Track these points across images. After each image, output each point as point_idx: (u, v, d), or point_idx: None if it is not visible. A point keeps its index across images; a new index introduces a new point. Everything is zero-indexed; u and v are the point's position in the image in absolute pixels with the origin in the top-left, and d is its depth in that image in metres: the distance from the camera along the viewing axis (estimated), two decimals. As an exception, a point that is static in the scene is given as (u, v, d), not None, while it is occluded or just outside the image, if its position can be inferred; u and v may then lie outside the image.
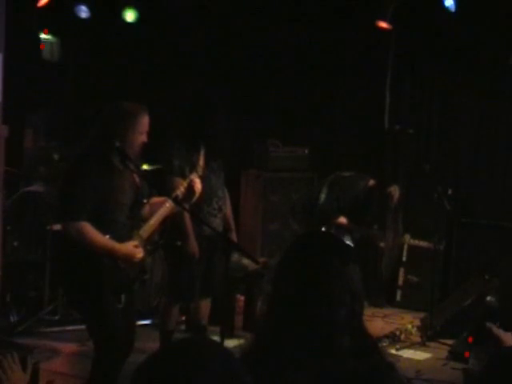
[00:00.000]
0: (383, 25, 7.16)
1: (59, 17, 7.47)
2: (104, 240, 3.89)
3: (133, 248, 3.99)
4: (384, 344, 5.92)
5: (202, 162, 4.51)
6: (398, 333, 6.29)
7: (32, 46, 7.53)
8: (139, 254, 4.01)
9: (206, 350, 1.42)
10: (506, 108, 7.24)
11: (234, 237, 5.44)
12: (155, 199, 4.25)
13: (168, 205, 4.15)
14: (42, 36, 7.64)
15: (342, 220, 6.18)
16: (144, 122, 4.02)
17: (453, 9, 6.95)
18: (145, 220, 4.15)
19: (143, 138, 4.02)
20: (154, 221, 4.15)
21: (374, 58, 7.70)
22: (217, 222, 5.26)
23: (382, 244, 6.54)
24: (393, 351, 5.84)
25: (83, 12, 7.43)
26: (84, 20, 7.48)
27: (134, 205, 4.06)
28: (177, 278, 5.27)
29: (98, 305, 3.94)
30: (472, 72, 7.31)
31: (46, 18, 7.35)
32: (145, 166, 7.06)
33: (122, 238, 3.97)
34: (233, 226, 5.55)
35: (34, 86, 7.19)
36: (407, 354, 5.93)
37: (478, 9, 7.06)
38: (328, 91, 7.96)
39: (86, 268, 3.90)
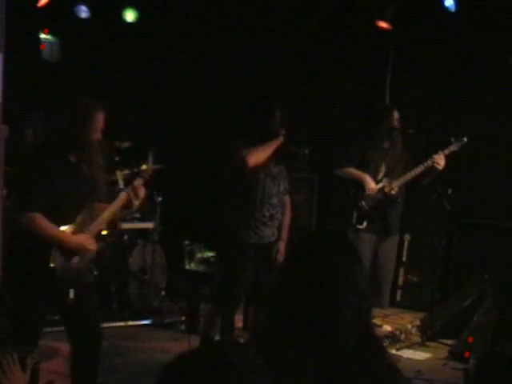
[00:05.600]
0: (383, 25, 7.17)
1: (59, 17, 7.48)
2: (56, 230, 3.92)
3: (85, 238, 4.02)
4: (384, 344, 5.91)
5: (148, 168, 4.46)
6: (397, 333, 6.30)
7: (32, 46, 7.54)
8: (92, 245, 4.04)
9: (235, 357, 1.43)
10: (505, 108, 7.24)
11: (281, 247, 5.26)
12: (98, 205, 4.21)
13: (123, 197, 4.14)
14: (42, 36, 7.65)
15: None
16: (99, 119, 4.05)
17: (453, 9, 6.96)
18: (95, 215, 4.14)
19: (98, 135, 4.04)
20: (105, 216, 4.14)
21: (374, 58, 7.70)
22: (266, 232, 5.14)
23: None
24: (393, 351, 5.84)
25: (83, 12, 7.44)
26: (84, 20, 7.49)
27: (87, 200, 4.06)
28: (224, 288, 5.17)
29: (23, 298, 3.95)
30: (472, 72, 7.31)
31: (46, 18, 7.36)
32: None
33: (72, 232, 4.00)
34: (284, 236, 5.31)
35: (33, 86, 7.19)
36: (407, 354, 5.93)
37: (478, 9, 7.06)
38: (328, 91, 7.96)
39: (31, 260, 3.91)
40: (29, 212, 3.86)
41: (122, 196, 4.16)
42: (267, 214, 5.14)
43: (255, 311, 5.38)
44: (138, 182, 4.29)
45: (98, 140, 4.05)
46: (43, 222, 3.87)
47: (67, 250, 3.96)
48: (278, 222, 5.24)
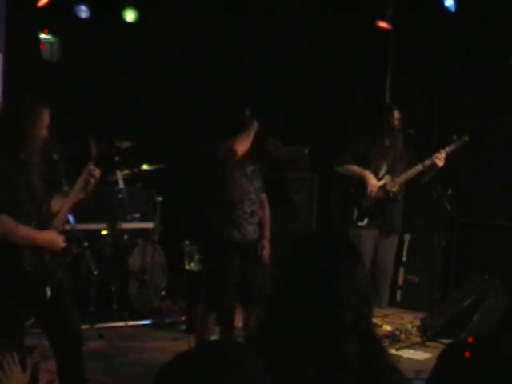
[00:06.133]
0: (383, 25, 7.16)
1: (59, 17, 7.47)
2: (24, 229, 3.90)
3: (55, 235, 4.03)
4: (384, 344, 5.91)
5: (94, 150, 4.41)
6: (397, 333, 6.30)
7: (32, 46, 7.53)
8: (61, 241, 4.05)
9: (233, 356, 1.42)
10: (505, 108, 7.24)
11: (266, 244, 5.34)
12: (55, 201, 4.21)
13: (80, 183, 4.11)
14: (42, 36, 7.64)
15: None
16: (44, 116, 4.02)
17: (453, 9, 6.95)
18: (55, 211, 4.13)
19: (44, 132, 4.01)
20: (64, 209, 4.14)
21: (374, 58, 7.70)
22: (248, 229, 5.21)
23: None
24: (393, 351, 5.84)
25: (83, 12, 7.43)
26: (84, 20, 7.48)
27: (44, 196, 4.06)
28: (213, 287, 5.21)
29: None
30: (472, 72, 7.31)
31: (46, 18, 7.35)
32: (145, 166, 7.08)
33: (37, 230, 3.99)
34: (267, 234, 5.38)
35: (33, 86, 7.18)
36: (407, 354, 5.93)
37: (477, 9, 7.06)
38: (328, 91, 7.96)
39: (3, 265, 3.90)
40: None
41: (79, 182, 4.12)
42: (249, 211, 5.22)
43: (245, 311, 5.38)
44: (91, 164, 4.24)
45: (45, 138, 4.02)
46: (11, 223, 3.85)
47: (37, 249, 3.95)
48: (258, 218, 5.30)
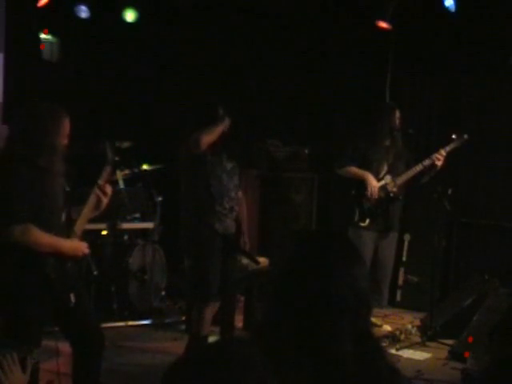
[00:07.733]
0: (383, 25, 7.17)
1: (59, 17, 7.48)
2: (49, 237, 3.90)
3: (79, 242, 4.04)
4: (384, 344, 5.92)
5: (110, 155, 4.41)
6: (397, 333, 6.30)
7: (32, 46, 7.54)
8: (85, 248, 4.06)
9: (237, 356, 1.42)
10: (505, 108, 7.24)
11: (245, 239, 5.56)
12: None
13: (93, 199, 4.12)
14: (42, 36, 7.64)
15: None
16: (66, 124, 4.02)
17: (453, 9, 6.96)
18: (74, 218, 4.14)
19: (65, 140, 4.02)
20: (84, 215, 4.13)
21: (373, 58, 7.70)
22: (227, 223, 5.32)
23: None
24: (393, 351, 5.84)
25: (83, 12, 7.44)
26: (84, 20, 7.49)
27: (64, 205, 4.06)
28: (203, 280, 5.24)
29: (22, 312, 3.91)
30: (472, 72, 7.31)
31: (45, 18, 7.35)
32: (145, 166, 7.08)
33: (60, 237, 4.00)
34: (245, 229, 5.60)
35: (33, 86, 7.19)
36: (407, 354, 5.93)
37: (477, 9, 7.06)
38: (328, 91, 7.96)
39: (27, 273, 3.88)
40: (19, 224, 3.81)
41: (92, 198, 4.13)
42: (227, 207, 5.33)
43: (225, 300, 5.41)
44: (104, 176, 4.24)
45: (65, 146, 4.02)
46: (36, 231, 3.84)
47: (61, 256, 3.95)
48: (236, 214, 5.44)
